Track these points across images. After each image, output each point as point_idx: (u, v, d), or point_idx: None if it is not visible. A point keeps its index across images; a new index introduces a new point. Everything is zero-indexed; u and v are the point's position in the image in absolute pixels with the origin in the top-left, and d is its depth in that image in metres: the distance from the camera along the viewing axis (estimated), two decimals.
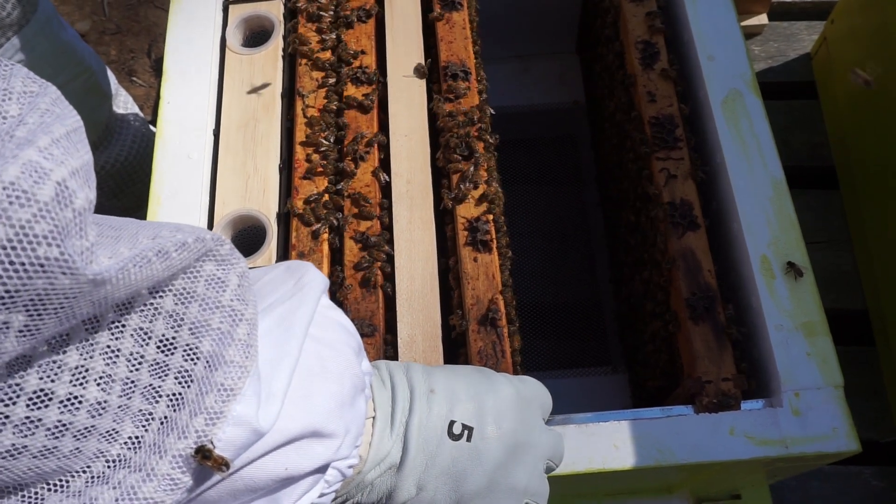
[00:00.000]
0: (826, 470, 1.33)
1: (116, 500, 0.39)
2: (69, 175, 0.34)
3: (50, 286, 0.33)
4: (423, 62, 0.95)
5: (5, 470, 0.36)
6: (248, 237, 0.90)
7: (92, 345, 0.38)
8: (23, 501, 0.38)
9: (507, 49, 1.50)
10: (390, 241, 0.87)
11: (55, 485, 0.39)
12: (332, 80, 0.96)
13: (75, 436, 0.38)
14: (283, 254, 0.87)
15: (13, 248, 0.32)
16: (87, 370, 0.38)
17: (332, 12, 1.00)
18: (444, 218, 0.90)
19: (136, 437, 0.40)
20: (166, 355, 0.41)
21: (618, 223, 1.17)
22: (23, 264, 0.32)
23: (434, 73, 0.97)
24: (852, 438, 0.76)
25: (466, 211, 0.88)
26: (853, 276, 1.49)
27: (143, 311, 0.41)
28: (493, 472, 0.58)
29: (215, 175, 0.91)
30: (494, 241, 0.86)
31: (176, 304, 0.42)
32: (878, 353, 1.42)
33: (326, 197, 0.89)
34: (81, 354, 0.38)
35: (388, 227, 0.88)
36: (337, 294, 0.85)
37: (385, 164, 0.92)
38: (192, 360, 0.41)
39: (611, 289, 1.28)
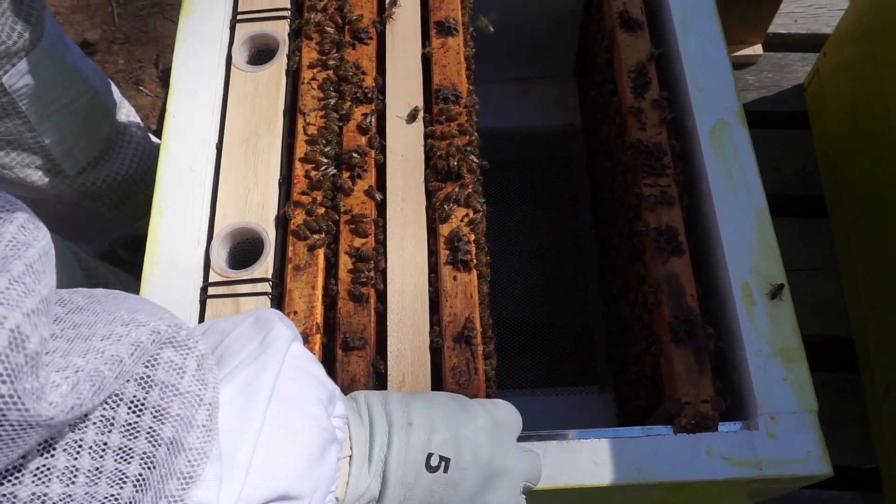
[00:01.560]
0: (807, 494, 1.35)
1: None
2: (24, 318, 0.36)
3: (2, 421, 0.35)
4: (419, 105, 0.98)
5: None
6: (246, 249, 0.92)
7: (52, 444, 0.39)
8: None
9: (507, 71, 1.54)
10: (384, 257, 0.90)
11: None
12: (332, 100, 0.99)
13: None
14: (280, 266, 0.90)
15: None
16: (49, 469, 0.39)
17: (334, 34, 1.03)
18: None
19: None
20: (130, 440, 0.42)
21: (608, 245, 1.19)
22: None
23: (427, 95, 1.01)
24: (825, 462, 0.78)
25: (449, 230, 0.91)
26: (839, 303, 1.52)
27: (105, 401, 0.42)
28: (469, 500, 0.61)
29: (217, 188, 0.94)
30: (474, 261, 0.88)
31: (137, 390, 0.43)
32: (862, 380, 1.44)
33: (322, 210, 0.92)
34: (42, 455, 0.39)
35: (381, 243, 0.91)
36: (331, 309, 0.87)
37: (381, 183, 0.95)
38: (154, 444, 0.42)
39: (601, 309, 1.31)
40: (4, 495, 0.37)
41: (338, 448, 0.56)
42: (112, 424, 0.41)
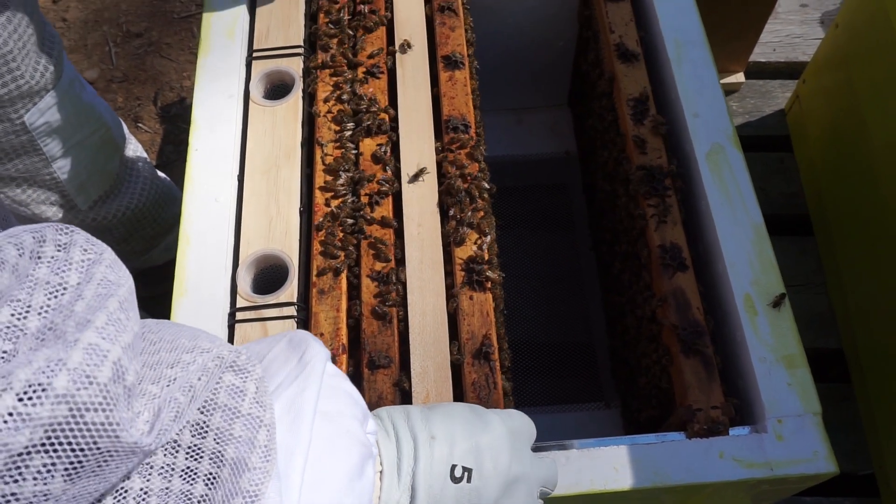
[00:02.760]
0: (806, 501, 1.39)
1: None
2: (122, 352, 0.39)
3: (94, 449, 0.37)
4: (428, 166, 1.02)
5: None
6: (270, 275, 0.96)
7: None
8: None
9: (504, 102, 1.60)
10: (403, 280, 0.94)
11: None
12: (348, 132, 1.04)
13: None
14: (305, 290, 0.94)
15: (71, 422, 0.37)
16: (126, 491, 0.42)
17: (347, 69, 1.09)
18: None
19: None
20: (195, 462, 0.44)
21: (611, 265, 1.24)
22: (88, 430, 0.37)
23: (437, 126, 1.06)
24: (831, 461, 0.83)
25: (464, 253, 0.95)
26: (828, 317, 1.58)
27: None
28: None
29: (240, 217, 0.98)
30: (489, 281, 0.93)
31: (201, 413, 0.45)
32: (854, 389, 1.49)
33: (341, 234, 0.96)
34: (121, 479, 0.42)
35: (401, 264, 0.95)
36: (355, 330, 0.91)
37: (398, 209, 1.00)
38: (218, 465, 0.45)
39: (605, 327, 1.35)
40: None
41: (373, 463, 0.59)
42: (178, 447, 0.44)
